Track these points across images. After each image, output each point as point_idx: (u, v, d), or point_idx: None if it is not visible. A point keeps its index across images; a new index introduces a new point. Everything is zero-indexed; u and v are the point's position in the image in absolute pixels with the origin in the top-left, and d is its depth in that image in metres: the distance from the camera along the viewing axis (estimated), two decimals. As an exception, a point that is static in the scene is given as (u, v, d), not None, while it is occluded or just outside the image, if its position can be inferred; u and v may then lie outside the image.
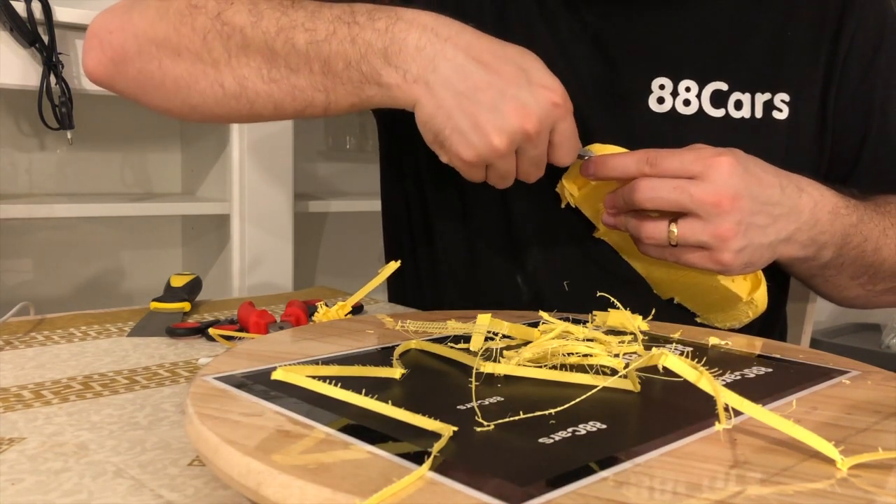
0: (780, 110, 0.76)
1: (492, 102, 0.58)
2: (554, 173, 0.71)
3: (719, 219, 0.62)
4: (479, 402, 0.40)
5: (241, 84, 0.65)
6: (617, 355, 0.47)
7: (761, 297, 0.69)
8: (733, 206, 0.62)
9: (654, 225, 0.64)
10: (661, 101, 0.75)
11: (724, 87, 0.75)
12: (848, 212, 0.70)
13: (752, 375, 0.48)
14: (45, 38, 1.10)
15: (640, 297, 0.70)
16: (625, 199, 0.65)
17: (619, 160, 0.65)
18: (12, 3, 1.07)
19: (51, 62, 1.10)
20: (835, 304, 0.83)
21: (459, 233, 0.81)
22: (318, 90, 0.63)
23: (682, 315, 0.73)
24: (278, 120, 0.75)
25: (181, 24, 0.66)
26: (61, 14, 1.11)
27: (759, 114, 0.75)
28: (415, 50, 0.59)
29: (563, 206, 0.72)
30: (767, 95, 0.76)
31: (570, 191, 0.70)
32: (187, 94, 0.68)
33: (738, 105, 0.75)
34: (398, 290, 0.93)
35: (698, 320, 0.74)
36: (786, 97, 0.76)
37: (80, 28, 1.14)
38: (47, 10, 1.09)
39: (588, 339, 0.48)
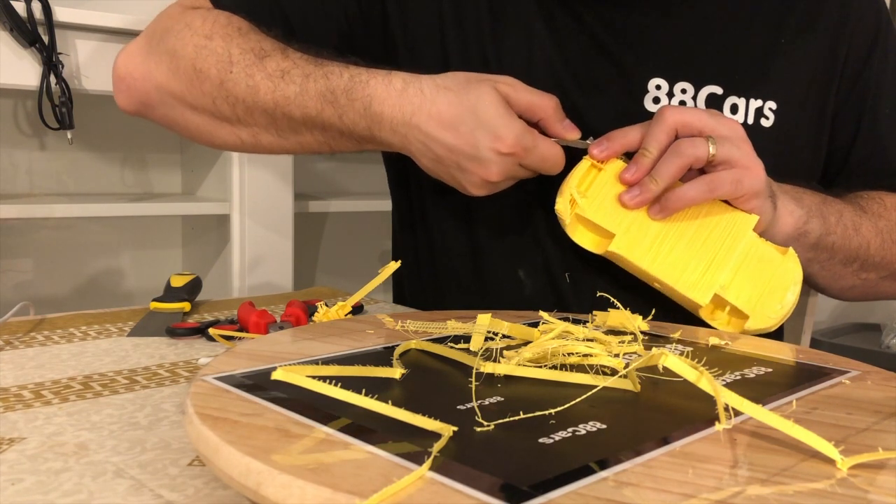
0: (767, 118, 0.77)
1: (456, 165, 0.66)
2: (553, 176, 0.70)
3: (737, 133, 0.65)
4: (479, 402, 0.40)
5: (255, 138, 0.74)
6: (617, 355, 0.47)
7: (795, 255, 0.67)
8: (743, 129, 0.66)
9: (692, 140, 0.64)
10: (656, 101, 0.75)
11: (718, 90, 0.75)
12: (809, 193, 0.73)
13: (752, 375, 0.48)
14: (45, 38, 1.10)
15: (642, 295, 0.70)
16: (646, 141, 0.65)
17: (628, 128, 0.67)
18: (12, 3, 1.07)
19: (51, 62, 1.10)
20: (834, 297, 0.83)
21: (461, 226, 0.81)
22: (322, 145, 0.73)
23: (682, 315, 0.72)
24: None
25: (191, 85, 0.72)
26: (61, 14, 1.11)
27: (750, 119, 0.76)
28: (390, 130, 0.67)
29: (566, 225, 0.68)
30: (759, 102, 0.76)
31: (576, 192, 0.66)
32: (210, 139, 0.76)
33: (734, 109, 0.75)
34: (398, 290, 0.93)
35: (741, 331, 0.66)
36: (773, 105, 0.77)
37: (80, 28, 1.14)
38: (47, 10, 1.09)
39: (588, 339, 0.48)
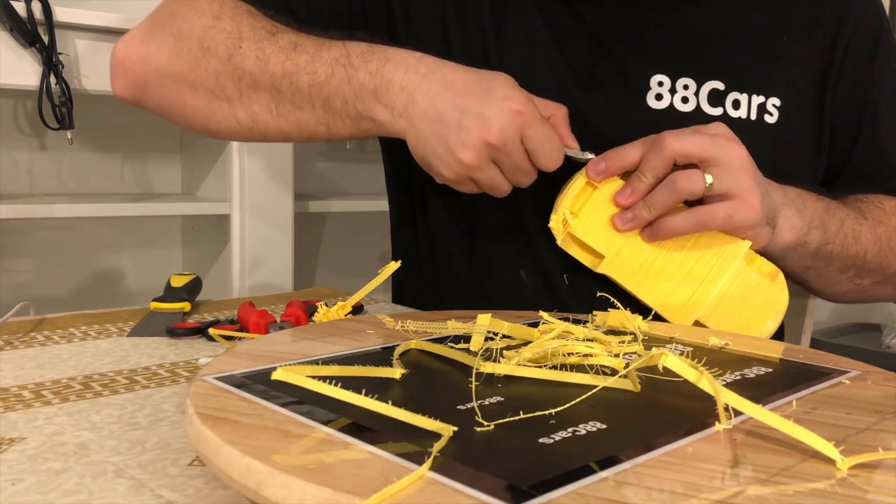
0: (771, 114, 0.77)
1: (457, 122, 0.63)
2: (558, 173, 0.70)
3: (738, 161, 0.64)
4: (479, 402, 0.40)
5: (252, 118, 0.72)
6: (617, 355, 0.47)
7: (784, 281, 0.68)
8: (746, 154, 0.65)
9: (688, 174, 0.64)
10: (659, 97, 0.75)
11: (720, 86, 0.75)
12: (814, 199, 0.73)
13: (752, 375, 0.48)
14: (45, 38, 1.10)
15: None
16: (643, 167, 0.65)
17: (627, 147, 0.67)
18: (12, 3, 1.07)
19: (51, 62, 1.10)
20: (828, 300, 0.83)
21: (460, 226, 0.81)
22: (320, 124, 0.70)
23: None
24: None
25: (196, 65, 0.72)
26: (61, 14, 1.11)
27: (753, 115, 0.76)
28: (399, 88, 0.66)
29: (559, 242, 0.69)
30: (762, 98, 0.76)
31: (569, 213, 0.68)
32: (206, 123, 0.75)
33: (737, 105, 0.75)
34: (398, 290, 0.93)
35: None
36: (777, 101, 0.77)
37: (80, 28, 1.14)
38: (47, 10, 1.09)
39: (588, 339, 0.48)
